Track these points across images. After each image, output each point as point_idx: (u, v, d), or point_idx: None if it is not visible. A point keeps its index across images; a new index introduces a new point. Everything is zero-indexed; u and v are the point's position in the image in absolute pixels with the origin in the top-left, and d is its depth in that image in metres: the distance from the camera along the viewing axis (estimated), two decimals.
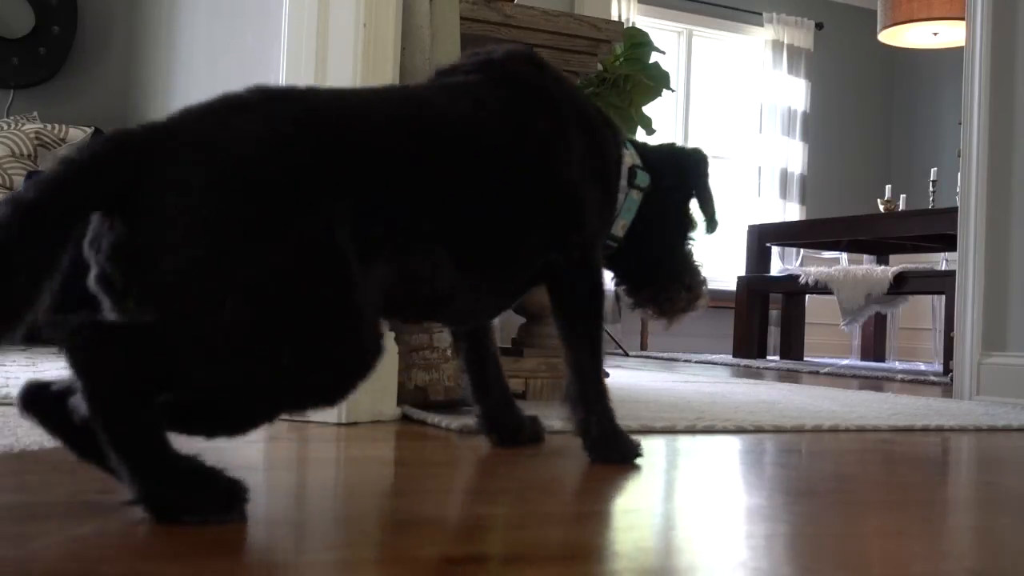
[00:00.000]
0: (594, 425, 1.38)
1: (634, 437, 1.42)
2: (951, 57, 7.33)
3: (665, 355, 5.87)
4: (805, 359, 6.10)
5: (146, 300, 0.93)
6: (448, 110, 1.23)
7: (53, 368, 2.51)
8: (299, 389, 0.99)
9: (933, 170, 6.01)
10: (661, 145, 1.54)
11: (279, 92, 1.09)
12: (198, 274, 0.92)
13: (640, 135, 4.01)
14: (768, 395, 2.79)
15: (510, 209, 1.26)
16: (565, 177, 1.31)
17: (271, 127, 1.01)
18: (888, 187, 6.19)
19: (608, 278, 1.47)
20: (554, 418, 1.85)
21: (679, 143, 1.54)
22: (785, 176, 7.47)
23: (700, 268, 1.53)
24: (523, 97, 1.31)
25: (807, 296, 6.13)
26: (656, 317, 1.52)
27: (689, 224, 1.52)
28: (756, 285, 5.86)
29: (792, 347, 6.01)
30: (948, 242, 5.24)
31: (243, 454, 1.38)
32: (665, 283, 1.50)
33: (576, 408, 1.39)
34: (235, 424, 1.01)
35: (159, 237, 0.93)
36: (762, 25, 7.50)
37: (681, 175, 1.49)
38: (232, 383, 0.95)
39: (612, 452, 1.38)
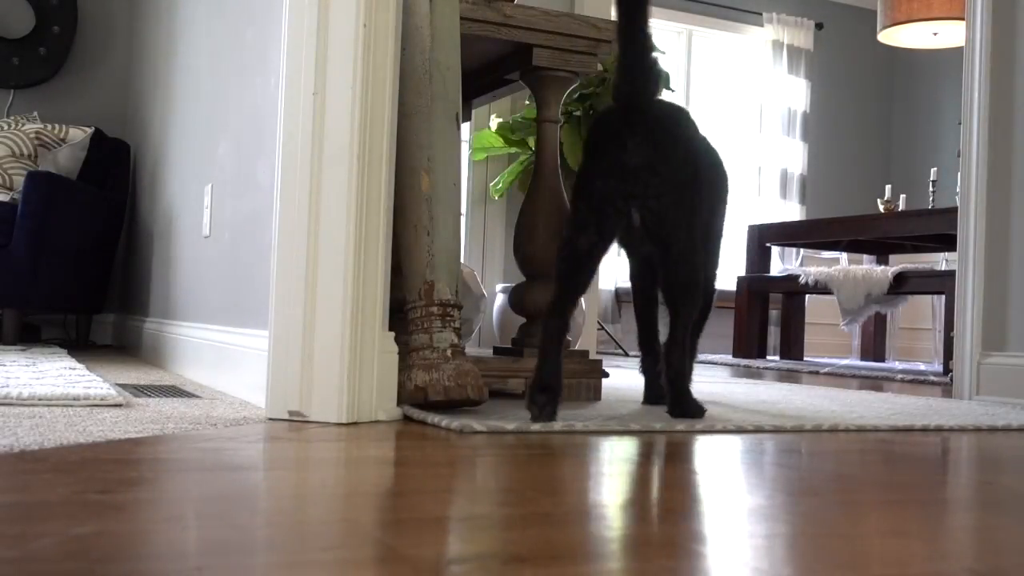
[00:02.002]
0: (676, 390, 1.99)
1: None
2: (951, 57, 7.33)
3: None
4: (805, 359, 6.10)
5: (644, 211, 1.86)
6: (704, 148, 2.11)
7: (53, 368, 2.50)
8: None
9: (933, 170, 6.01)
10: None
11: (683, 111, 2.04)
12: (678, 210, 1.88)
13: None
14: (768, 395, 2.79)
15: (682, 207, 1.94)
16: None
17: (700, 136, 2.06)
18: (888, 187, 6.19)
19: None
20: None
21: None
22: (785, 176, 7.47)
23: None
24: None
25: (807, 296, 6.13)
26: None
27: None
28: (756, 285, 5.86)
29: (792, 347, 6.01)
30: (948, 242, 5.24)
31: (244, 454, 1.38)
32: None
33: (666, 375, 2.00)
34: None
35: (661, 177, 1.86)
36: (762, 25, 7.50)
37: None
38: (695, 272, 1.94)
39: (686, 411, 1.98)
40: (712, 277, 2.20)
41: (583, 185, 1.87)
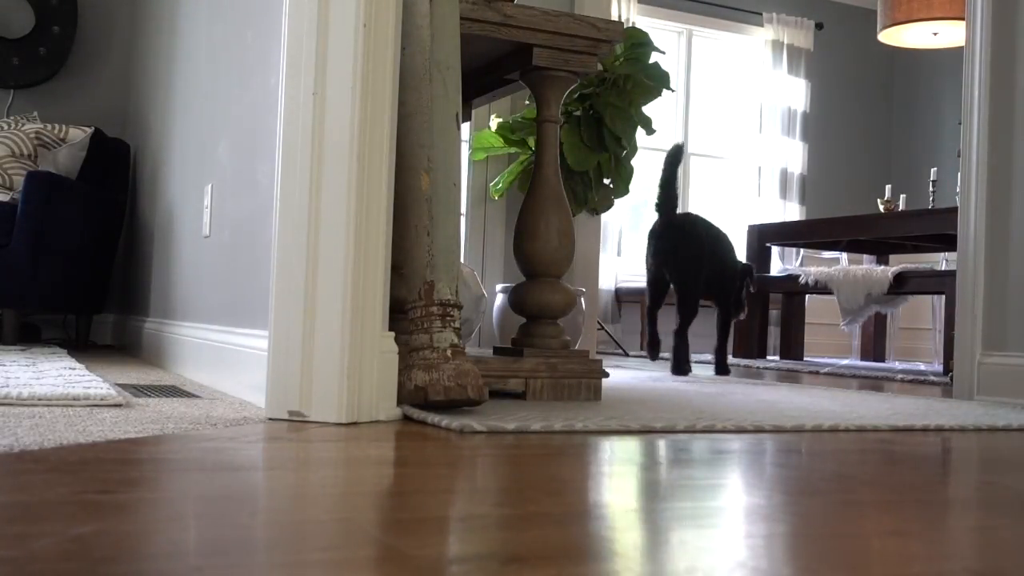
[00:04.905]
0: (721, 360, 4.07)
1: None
2: (951, 57, 7.33)
3: (665, 355, 5.86)
4: (805, 359, 6.10)
5: (673, 275, 3.77)
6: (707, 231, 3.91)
7: (53, 368, 2.50)
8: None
9: (933, 170, 6.01)
10: None
11: (702, 219, 3.91)
12: (688, 274, 3.76)
13: (640, 135, 4.01)
14: (768, 395, 2.79)
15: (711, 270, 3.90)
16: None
17: (709, 233, 3.92)
18: (888, 187, 6.19)
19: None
20: (555, 419, 1.85)
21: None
22: (785, 176, 7.47)
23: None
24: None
25: (807, 296, 6.12)
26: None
27: None
28: (756, 285, 5.85)
29: (792, 347, 6.01)
30: (948, 242, 5.24)
31: (244, 454, 1.38)
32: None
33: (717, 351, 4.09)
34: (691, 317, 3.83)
35: (679, 264, 3.78)
36: (762, 25, 7.50)
37: None
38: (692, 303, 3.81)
39: (723, 372, 4.03)
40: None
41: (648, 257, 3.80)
